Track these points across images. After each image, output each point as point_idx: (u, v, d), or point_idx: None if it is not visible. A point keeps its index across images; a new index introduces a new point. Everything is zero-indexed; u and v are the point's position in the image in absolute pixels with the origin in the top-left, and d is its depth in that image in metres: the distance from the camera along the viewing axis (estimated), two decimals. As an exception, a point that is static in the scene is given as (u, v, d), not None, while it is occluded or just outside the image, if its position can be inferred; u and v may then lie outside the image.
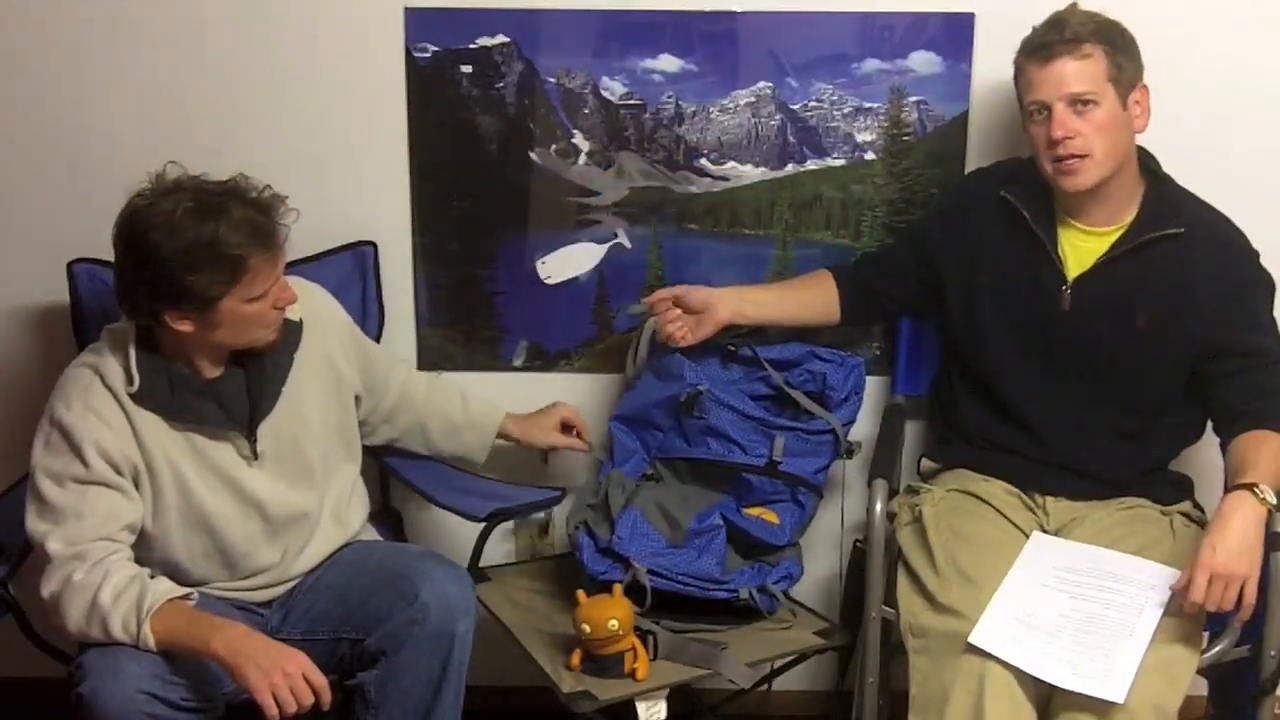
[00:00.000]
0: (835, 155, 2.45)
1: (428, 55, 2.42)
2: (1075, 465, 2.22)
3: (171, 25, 2.41)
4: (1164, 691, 1.90)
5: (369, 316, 2.45)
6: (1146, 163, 2.19)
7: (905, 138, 2.43)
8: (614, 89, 2.44)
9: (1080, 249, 2.18)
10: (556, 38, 2.41)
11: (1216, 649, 2.05)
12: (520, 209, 2.50)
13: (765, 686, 2.27)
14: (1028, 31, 2.11)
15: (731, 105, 2.44)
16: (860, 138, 2.44)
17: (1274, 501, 1.95)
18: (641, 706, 2.07)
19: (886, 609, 2.14)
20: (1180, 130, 2.25)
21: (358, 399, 2.27)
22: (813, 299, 2.40)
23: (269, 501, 2.09)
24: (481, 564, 2.34)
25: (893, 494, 2.28)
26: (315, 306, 2.18)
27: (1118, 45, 2.07)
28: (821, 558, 2.59)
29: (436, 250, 2.52)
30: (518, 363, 2.58)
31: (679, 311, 2.35)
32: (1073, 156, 2.07)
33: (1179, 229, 2.13)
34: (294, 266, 2.13)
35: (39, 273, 2.44)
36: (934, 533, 2.14)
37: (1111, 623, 1.95)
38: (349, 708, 2.06)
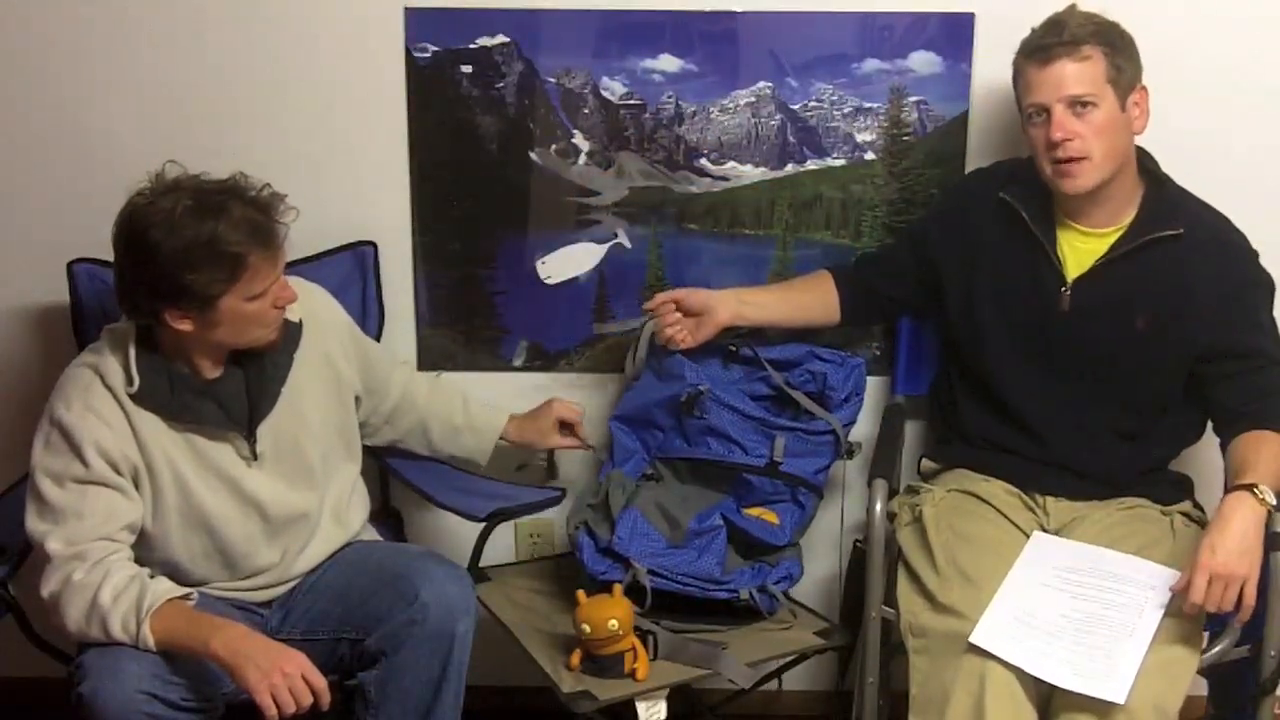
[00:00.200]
0: (835, 155, 2.45)
1: (428, 55, 2.42)
2: (1075, 465, 2.22)
3: (171, 25, 2.41)
4: (1164, 691, 1.90)
5: (369, 316, 2.45)
6: (1145, 163, 2.19)
7: (905, 138, 2.43)
8: (614, 89, 2.44)
9: (1080, 250, 2.18)
10: (556, 38, 2.41)
11: (1216, 649, 2.05)
12: (520, 209, 2.50)
13: (776, 686, 2.27)
14: (1027, 32, 2.11)
15: (731, 105, 2.44)
16: (860, 138, 2.44)
17: (1273, 502, 1.95)
18: (641, 706, 2.07)
19: (886, 609, 2.14)
20: (1180, 130, 2.25)
21: (358, 399, 2.27)
22: (812, 300, 2.40)
23: (269, 502, 2.09)
24: (481, 564, 2.34)
25: (893, 494, 2.28)
26: (315, 306, 2.18)
27: (1116, 46, 2.07)
28: (821, 558, 2.59)
29: (436, 250, 2.52)
30: (518, 363, 2.58)
31: (679, 315, 2.35)
32: (1072, 159, 2.07)
33: (1178, 230, 2.13)
34: (294, 266, 2.13)
35: (39, 273, 2.44)
36: (934, 533, 2.14)
37: (1112, 623, 1.95)
38: (349, 708, 2.07)
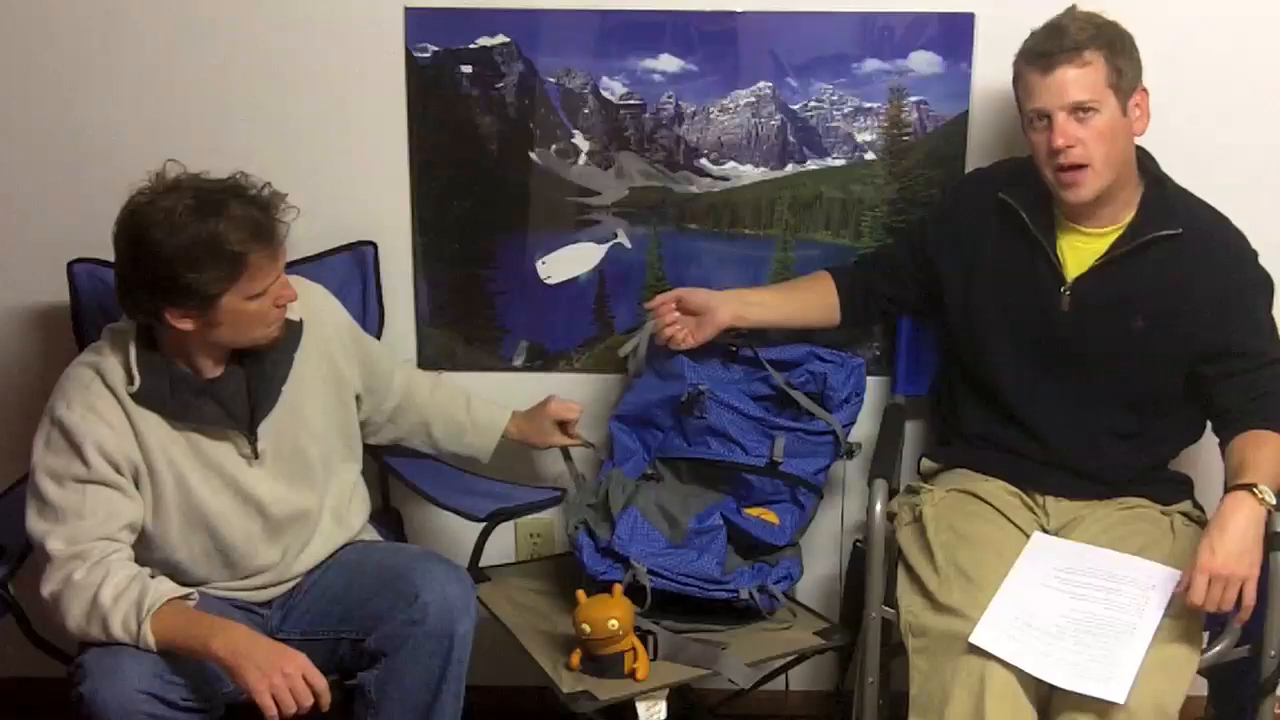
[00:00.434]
0: (835, 155, 2.45)
1: (428, 55, 2.42)
2: (1075, 465, 2.22)
3: (171, 25, 2.41)
4: (1165, 691, 1.90)
5: (369, 316, 2.45)
6: (1145, 163, 2.19)
7: (905, 138, 2.43)
8: (614, 89, 2.44)
9: (1079, 250, 2.18)
10: (556, 38, 2.41)
11: (1216, 649, 2.06)
12: (520, 209, 2.50)
13: (781, 687, 2.27)
14: (1027, 32, 2.11)
15: (731, 105, 2.44)
16: (860, 138, 2.44)
17: (1273, 502, 1.95)
18: (641, 706, 2.07)
19: (886, 609, 2.14)
20: (1180, 130, 2.25)
21: (359, 399, 2.27)
22: (812, 300, 2.40)
23: (269, 501, 2.09)
24: (481, 564, 2.34)
25: (893, 494, 2.28)
26: (316, 306, 2.18)
27: (1117, 49, 2.06)
28: (821, 558, 2.59)
29: (436, 250, 2.52)
30: (518, 363, 2.58)
31: (678, 314, 2.35)
32: (1073, 167, 2.07)
33: (1177, 230, 2.13)
34: (294, 266, 2.13)
35: (39, 273, 2.44)
36: (934, 532, 2.14)
37: (1112, 623, 1.95)
38: (349, 708, 2.06)
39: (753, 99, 2.43)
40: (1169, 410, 2.21)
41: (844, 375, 2.39)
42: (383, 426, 2.35)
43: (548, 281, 2.54)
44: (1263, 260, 2.17)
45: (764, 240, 2.50)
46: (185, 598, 1.92)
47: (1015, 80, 2.14)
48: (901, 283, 2.37)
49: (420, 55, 2.42)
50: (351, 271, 2.45)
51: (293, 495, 2.12)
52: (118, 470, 1.95)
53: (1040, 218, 2.19)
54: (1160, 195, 2.17)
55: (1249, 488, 1.94)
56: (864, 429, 2.44)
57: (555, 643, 2.17)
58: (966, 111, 2.41)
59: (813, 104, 2.43)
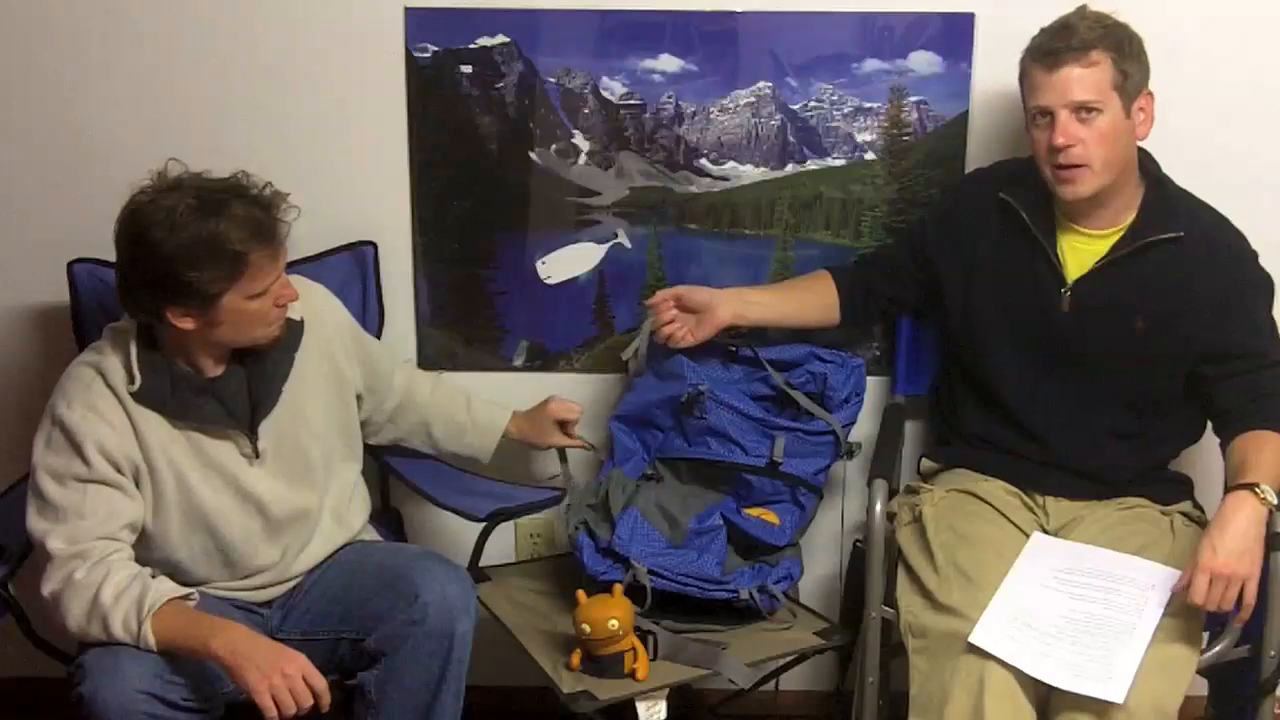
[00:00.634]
0: (835, 155, 2.45)
1: (428, 55, 2.42)
2: (1075, 466, 2.22)
3: (171, 25, 2.41)
4: (1164, 692, 1.90)
5: (369, 316, 2.45)
6: (1146, 165, 2.19)
7: (905, 138, 2.43)
8: (614, 89, 2.44)
9: (1080, 251, 2.18)
10: (556, 38, 2.41)
11: (1216, 649, 2.06)
12: (520, 209, 2.50)
13: (773, 686, 2.27)
14: (1028, 31, 2.11)
15: (731, 105, 2.44)
16: (860, 138, 2.44)
17: (1275, 501, 1.95)
18: (641, 706, 2.07)
19: (886, 609, 2.14)
20: (1180, 130, 2.24)
21: (360, 398, 2.27)
22: (812, 300, 2.40)
23: (270, 500, 2.09)
24: (481, 564, 2.34)
25: (893, 494, 2.28)
26: (317, 305, 2.18)
27: (1124, 51, 2.06)
28: (821, 558, 2.59)
29: (436, 250, 2.52)
30: (518, 363, 2.58)
31: (675, 311, 2.35)
32: (1072, 166, 2.07)
33: (1178, 233, 2.12)
34: (295, 266, 2.13)
35: (39, 273, 2.44)
36: (934, 532, 2.14)
37: (1112, 623, 1.95)
38: (349, 708, 2.06)
39: (753, 99, 2.43)
40: (1169, 411, 2.21)
41: (844, 375, 2.39)
42: (383, 426, 2.35)
43: (548, 281, 2.54)
44: (1263, 261, 2.17)
45: (764, 240, 2.50)
46: (186, 598, 1.92)
47: (1020, 77, 2.13)
48: (901, 283, 2.37)
49: (420, 55, 2.42)
50: (351, 271, 2.45)
51: (293, 495, 2.12)
52: (118, 470, 1.95)
53: (1041, 218, 2.19)
54: (1161, 197, 2.17)
55: (1251, 487, 1.94)
56: (864, 429, 2.44)
57: (555, 643, 2.17)
58: (966, 111, 2.41)
59: (813, 104, 2.43)
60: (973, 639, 1.94)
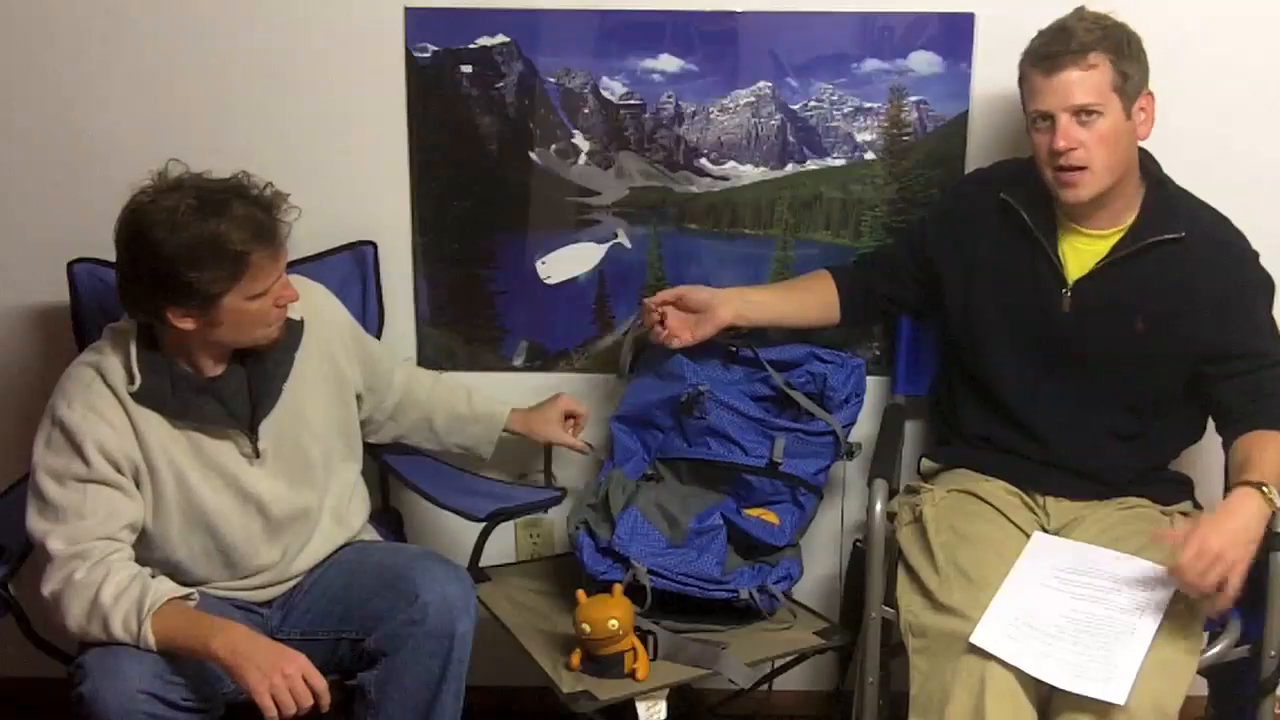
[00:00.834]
0: (835, 155, 2.45)
1: (428, 55, 2.42)
2: (1075, 466, 2.22)
3: (171, 25, 2.41)
4: (1164, 692, 1.90)
5: (369, 316, 2.45)
6: (1147, 165, 2.19)
7: (905, 138, 2.43)
8: (614, 89, 2.44)
9: (1081, 252, 2.18)
10: (556, 38, 2.41)
11: (1216, 649, 2.06)
12: (520, 209, 2.50)
13: (766, 686, 2.27)
14: (1028, 31, 2.11)
15: (731, 105, 2.44)
16: (860, 138, 2.44)
17: (1279, 503, 1.95)
18: (641, 706, 2.07)
19: (886, 609, 2.14)
20: (1180, 130, 2.24)
21: (360, 398, 2.27)
22: (812, 299, 2.40)
23: (270, 500, 2.09)
24: (481, 564, 2.34)
25: (893, 494, 2.28)
26: (317, 305, 2.18)
27: (1124, 53, 2.05)
28: (821, 558, 2.59)
29: (436, 250, 2.52)
30: (518, 363, 2.58)
31: (669, 310, 2.34)
32: (1073, 169, 2.07)
33: (1179, 234, 2.12)
34: (295, 266, 2.13)
35: (39, 273, 2.44)
36: (934, 532, 2.14)
37: (1112, 623, 1.95)
38: (349, 708, 2.06)
39: (753, 99, 2.43)
40: (1169, 411, 2.21)
41: (844, 376, 2.39)
42: (384, 424, 2.35)
43: (548, 281, 2.54)
44: (1263, 261, 2.17)
45: (764, 240, 2.50)
46: (186, 598, 1.92)
47: (1020, 81, 2.13)
48: (901, 283, 2.37)
49: (420, 55, 2.42)
50: (351, 271, 2.45)
51: (293, 494, 2.12)
52: (118, 470, 1.95)
53: (1041, 218, 2.19)
54: (1162, 197, 2.17)
55: (1258, 486, 1.94)
56: (864, 429, 2.44)
57: (555, 643, 2.17)
58: (966, 111, 2.41)
59: (813, 104, 2.43)
60: (973, 639, 1.94)
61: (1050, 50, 2.06)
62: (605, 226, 2.51)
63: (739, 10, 2.39)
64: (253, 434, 2.07)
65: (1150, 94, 2.10)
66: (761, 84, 2.42)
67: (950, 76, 2.39)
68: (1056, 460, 2.23)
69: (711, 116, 2.45)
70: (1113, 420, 2.21)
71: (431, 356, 2.56)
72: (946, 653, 1.97)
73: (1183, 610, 1.97)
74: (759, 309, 2.37)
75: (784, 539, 2.30)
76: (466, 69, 2.43)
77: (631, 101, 2.44)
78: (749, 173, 2.47)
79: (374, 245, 2.45)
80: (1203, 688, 2.28)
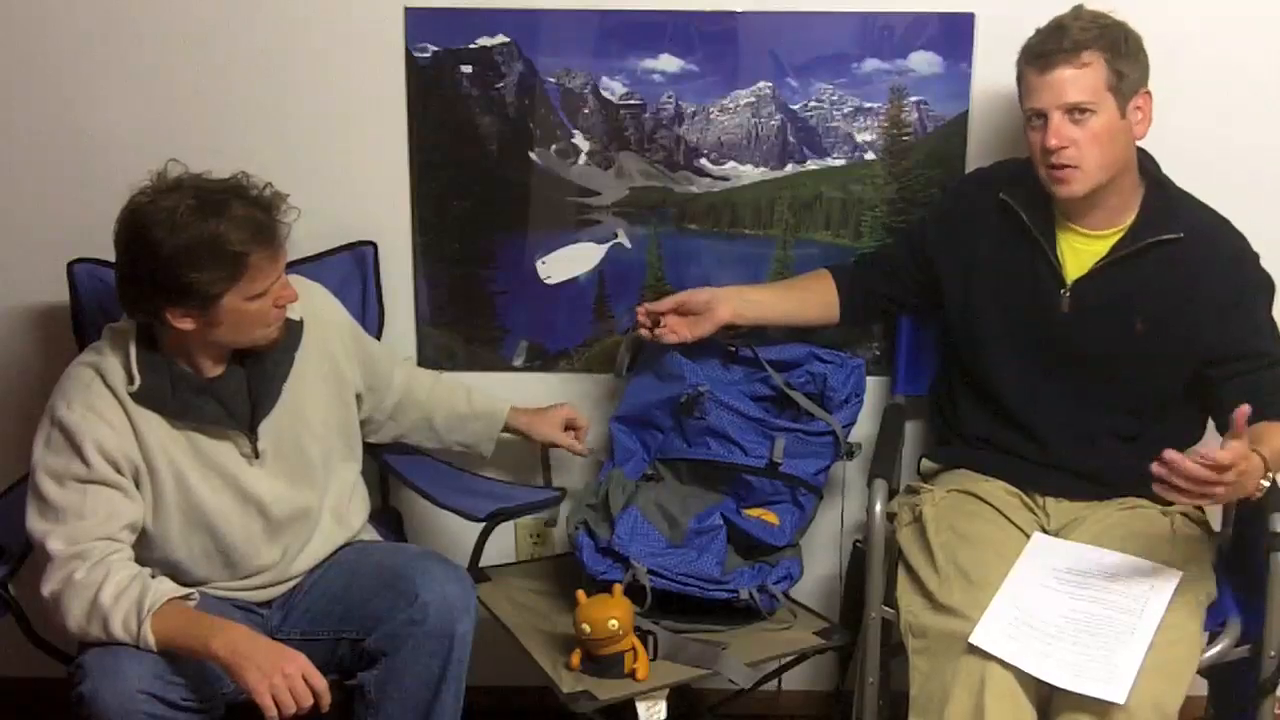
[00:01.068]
0: (835, 155, 2.45)
1: (428, 55, 2.42)
2: (1074, 467, 2.22)
3: (171, 25, 2.41)
4: (1164, 692, 1.90)
5: (369, 316, 2.45)
6: (1146, 165, 2.19)
7: (905, 138, 2.43)
8: (614, 89, 2.44)
9: (1080, 252, 2.18)
10: (556, 38, 2.41)
11: (1216, 649, 2.06)
12: (520, 209, 2.50)
13: (775, 686, 2.27)
14: (1028, 31, 2.11)
15: (731, 105, 2.44)
16: (860, 138, 2.44)
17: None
18: (641, 706, 2.07)
19: (886, 609, 2.14)
20: (1180, 130, 2.24)
21: (360, 397, 2.27)
22: (812, 298, 2.40)
23: (270, 500, 2.09)
24: (481, 564, 2.34)
25: (893, 494, 2.28)
26: (316, 305, 2.18)
27: (1120, 52, 2.05)
28: (821, 558, 2.59)
29: (436, 250, 2.52)
30: (518, 363, 2.58)
31: (648, 323, 2.34)
32: (1065, 166, 2.07)
33: (1178, 235, 2.12)
34: (294, 266, 2.13)
35: (39, 273, 2.44)
36: (934, 532, 2.14)
37: (1112, 623, 1.95)
38: (349, 708, 2.06)
39: (753, 99, 2.43)
40: (1169, 412, 2.21)
41: (844, 376, 2.39)
42: (384, 424, 2.35)
43: (548, 281, 2.54)
44: (1264, 262, 2.17)
45: (764, 240, 2.50)
46: (186, 598, 1.92)
47: (1017, 79, 2.13)
48: (901, 282, 2.37)
49: (420, 55, 2.42)
50: (351, 271, 2.45)
51: (293, 495, 2.12)
52: (118, 470, 1.95)
53: (1040, 218, 2.19)
54: (1161, 198, 2.17)
55: (1263, 459, 1.92)
56: (864, 429, 2.44)
57: (555, 643, 2.17)
58: (966, 111, 2.41)
59: (813, 104, 2.43)
60: (973, 639, 1.94)
61: (1044, 48, 2.06)
62: (605, 226, 2.51)
63: (739, 10, 2.39)
64: (252, 434, 2.07)
65: (1148, 93, 2.10)
66: (761, 84, 2.42)
67: (950, 76, 2.39)
68: (1056, 461, 2.23)
69: (711, 116, 2.45)
70: (1112, 420, 2.21)
71: (431, 356, 2.56)
72: (946, 653, 1.97)
73: (1183, 610, 1.97)
74: (758, 307, 2.37)
75: (784, 539, 2.30)
76: (466, 69, 2.43)
77: (631, 101, 2.44)
78: (749, 173, 2.47)
79: (374, 245, 2.45)
80: (1203, 688, 2.28)
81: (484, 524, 2.24)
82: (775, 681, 2.28)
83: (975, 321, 2.26)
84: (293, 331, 2.10)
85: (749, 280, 2.48)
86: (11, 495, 2.17)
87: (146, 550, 2.01)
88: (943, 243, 2.30)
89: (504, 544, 2.61)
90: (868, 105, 2.42)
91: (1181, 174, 2.21)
